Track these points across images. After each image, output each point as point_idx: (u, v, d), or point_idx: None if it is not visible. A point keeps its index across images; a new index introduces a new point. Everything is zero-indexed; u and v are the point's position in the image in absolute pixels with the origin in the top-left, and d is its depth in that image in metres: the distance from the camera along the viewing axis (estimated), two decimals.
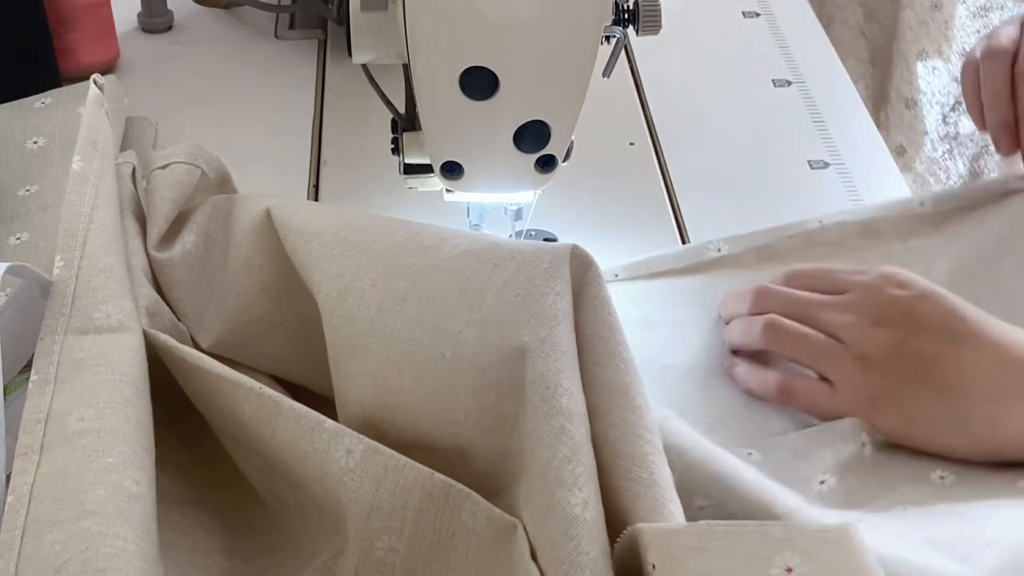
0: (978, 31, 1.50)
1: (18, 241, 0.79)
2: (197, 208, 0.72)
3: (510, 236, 0.80)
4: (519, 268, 0.57)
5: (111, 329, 0.61)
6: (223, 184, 0.75)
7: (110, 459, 0.54)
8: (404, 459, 0.55)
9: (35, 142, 0.86)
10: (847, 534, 0.46)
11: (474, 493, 0.55)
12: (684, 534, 0.48)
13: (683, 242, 0.88)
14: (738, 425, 0.68)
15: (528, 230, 0.84)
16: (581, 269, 0.57)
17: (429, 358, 0.57)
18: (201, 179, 0.72)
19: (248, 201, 0.69)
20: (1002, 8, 1.49)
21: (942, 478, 0.65)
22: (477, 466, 0.57)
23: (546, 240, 0.86)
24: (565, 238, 0.86)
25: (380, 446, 0.55)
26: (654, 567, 0.47)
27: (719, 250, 0.81)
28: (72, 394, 0.57)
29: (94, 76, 0.75)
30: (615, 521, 0.50)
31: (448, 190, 0.75)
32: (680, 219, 0.90)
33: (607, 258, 0.83)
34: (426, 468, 0.55)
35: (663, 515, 0.50)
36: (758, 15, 1.14)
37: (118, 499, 0.53)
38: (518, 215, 0.79)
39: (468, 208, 0.79)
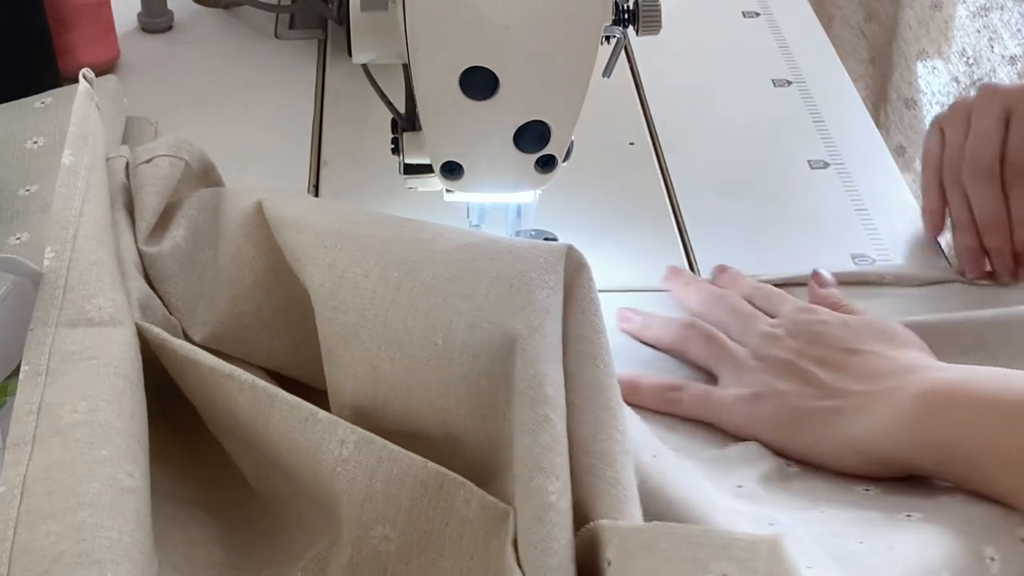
0: (978, 31, 1.51)
1: (18, 241, 0.79)
2: (185, 202, 0.71)
3: (510, 236, 0.80)
4: (515, 261, 0.57)
5: (103, 323, 0.61)
6: (207, 174, 0.74)
7: (104, 452, 0.54)
8: (398, 449, 0.55)
9: (35, 142, 0.86)
10: (780, 547, 0.47)
11: (468, 481, 0.55)
12: (639, 532, 0.49)
13: (683, 241, 0.88)
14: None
15: (528, 230, 0.84)
16: (574, 270, 0.58)
17: (421, 347, 0.58)
18: (185, 171, 0.72)
19: (237, 194, 0.69)
20: (1002, 8, 1.49)
21: (867, 490, 0.65)
22: (469, 454, 0.58)
23: (546, 240, 0.86)
24: (565, 238, 0.86)
25: (374, 436, 0.56)
26: (610, 563, 0.49)
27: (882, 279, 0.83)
28: (65, 386, 0.57)
29: (83, 71, 0.75)
30: (576, 515, 0.51)
31: (448, 190, 0.75)
32: (680, 219, 0.90)
33: (607, 258, 0.83)
34: (419, 457, 0.55)
35: (623, 514, 0.51)
36: (758, 15, 1.15)
37: (113, 492, 0.53)
38: (518, 215, 0.79)
39: (468, 208, 0.79)
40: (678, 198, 0.92)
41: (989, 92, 0.86)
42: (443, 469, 0.55)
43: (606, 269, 0.81)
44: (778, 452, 0.68)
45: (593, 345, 0.56)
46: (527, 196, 0.77)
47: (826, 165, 0.95)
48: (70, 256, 0.63)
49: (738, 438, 0.70)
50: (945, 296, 0.83)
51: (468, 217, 0.80)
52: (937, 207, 0.87)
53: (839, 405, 0.66)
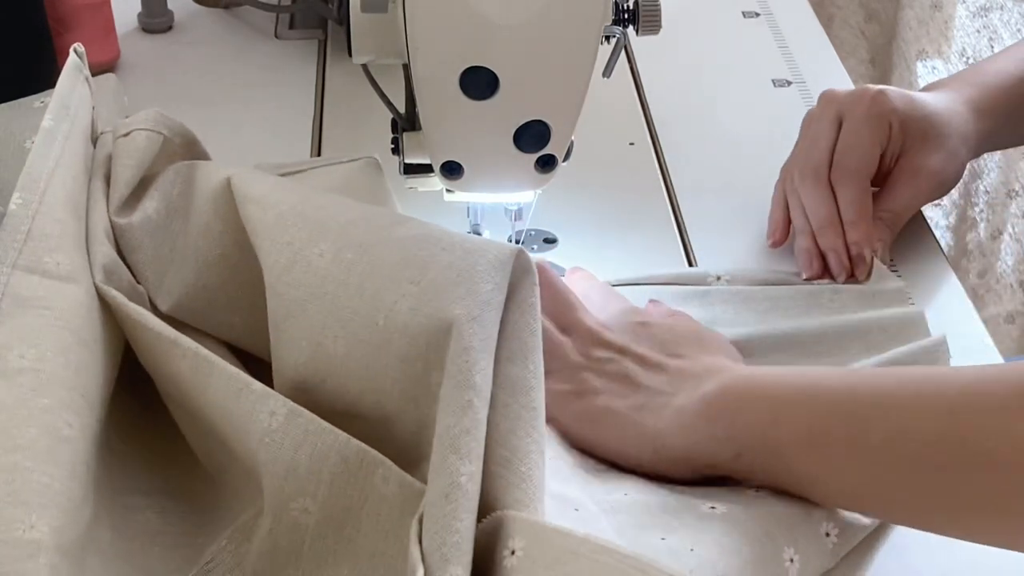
0: (978, 31, 1.51)
1: None
2: (160, 175, 0.72)
3: (510, 236, 0.80)
4: (465, 254, 0.59)
5: (60, 278, 0.61)
6: (190, 148, 0.74)
7: (46, 400, 0.56)
8: (324, 423, 0.57)
9: (35, 142, 0.86)
10: None
11: (388, 460, 0.56)
12: (564, 536, 0.51)
13: (683, 241, 0.88)
14: None
15: (528, 230, 0.84)
16: (520, 273, 0.59)
17: (363, 326, 0.59)
18: (164, 145, 0.72)
19: (210, 168, 0.70)
20: (1002, 8, 1.49)
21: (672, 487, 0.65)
22: (401, 436, 0.59)
23: (546, 240, 0.86)
24: (565, 238, 0.86)
25: (303, 410, 0.57)
26: (513, 552, 0.50)
27: (718, 278, 0.82)
28: (14, 330, 0.58)
29: (75, 45, 0.75)
30: (482, 504, 0.53)
31: (448, 190, 0.75)
32: (680, 219, 0.90)
33: (607, 258, 0.83)
34: (343, 433, 0.56)
35: (528, 508, 0.53)
36: (758, 15, 1.15)
37: (50, 439, 0.54)
38: (518, 215, 0.79)
39: (468, 208, 0.79)
40: (678, 198, 0.92)
41: (826, 98, 0.87)
42: (365, 446, 0.56)
43: (606, 269, 0.81)
44: (582, 450, 0.68)
45: (526, 346, 0.58)
46: (527, 196, 0.77)
47: None
48: (37, 208, 0.63)
49: None
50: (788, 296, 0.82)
51: (468, 217, 0.80)
52: (779, 216, 0.86)
53: (644, 402, 0.67)
